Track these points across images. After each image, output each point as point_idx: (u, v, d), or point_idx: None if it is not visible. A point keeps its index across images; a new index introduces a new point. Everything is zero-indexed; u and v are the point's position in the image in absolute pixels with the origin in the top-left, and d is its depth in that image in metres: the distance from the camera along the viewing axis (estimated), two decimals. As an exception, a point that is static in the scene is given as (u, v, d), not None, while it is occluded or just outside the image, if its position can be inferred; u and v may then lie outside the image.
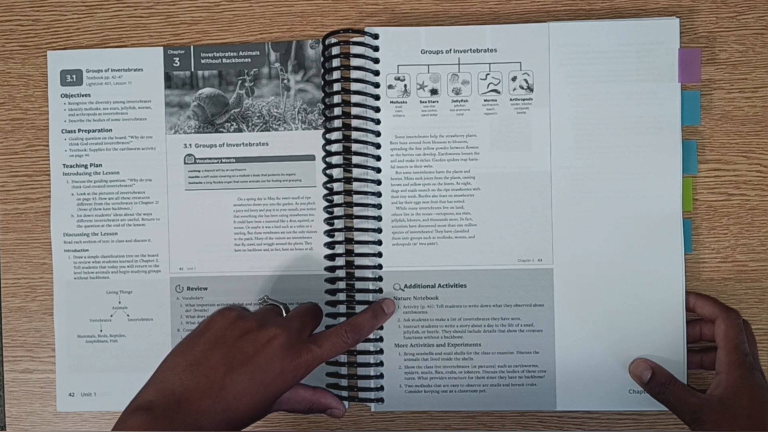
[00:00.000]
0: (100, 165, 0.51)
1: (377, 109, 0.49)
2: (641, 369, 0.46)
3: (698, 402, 0.43)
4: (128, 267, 0.51)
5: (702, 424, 0.42)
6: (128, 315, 0.50)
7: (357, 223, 0.49)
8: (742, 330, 0.45)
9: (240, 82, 0.50)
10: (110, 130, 0.51)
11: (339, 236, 0.49)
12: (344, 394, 0.49)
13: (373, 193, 0.49)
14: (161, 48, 0.51)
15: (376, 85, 0.49)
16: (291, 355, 0.40)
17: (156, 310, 0.50)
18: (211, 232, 0.50)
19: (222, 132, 0.50)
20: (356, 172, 0.49)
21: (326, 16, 0.51)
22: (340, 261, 0.49)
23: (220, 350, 0.39)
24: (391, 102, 0.49)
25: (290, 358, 0.40)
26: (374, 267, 0.49)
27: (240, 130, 0.50)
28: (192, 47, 0.51)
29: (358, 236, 0.49)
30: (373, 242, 0.49)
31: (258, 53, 0.50)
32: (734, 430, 0.41)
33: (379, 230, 0.49)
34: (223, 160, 0.50)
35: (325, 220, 0.49)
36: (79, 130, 0.51)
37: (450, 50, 0.49)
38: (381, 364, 0.49)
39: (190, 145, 0.51)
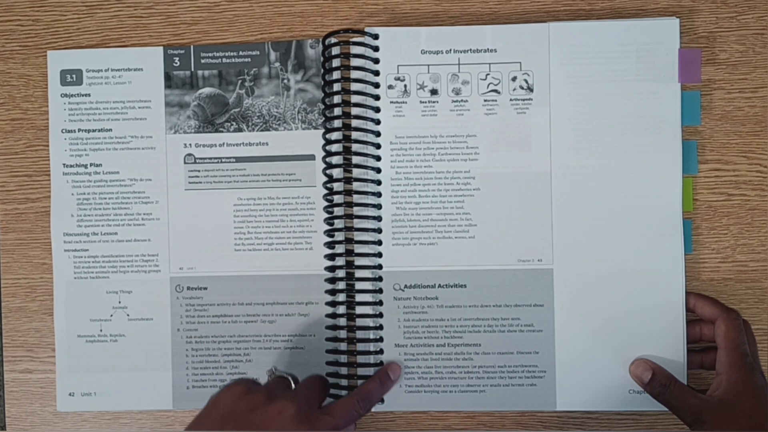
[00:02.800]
0: (100, 165, 0.51)
1: (377, 109, 0.49)
2: (641, 369, 0.46)
3: (698, 403, 0.43)
4: (128, 267, 0.51)
5: (702, 424, 0.42)
6: (128, 315, 0.50)
7: (357, 223, 0.49)
8: (743, 331, 0.44)
9: (240, 81, 0.50)
10: (110, 130, 0.51)
11: (339, 236, 0.49)
12: (344, 393, 0.49)
13: (373, 193, 0.49)
14: (161, 48, 0.51)
15: (376, 85, 0.49)
16: (304, 425, 0.39)
17: (156, 310, 0.50)
18: (211, 232, 0.50)
19: (222, 132, 0.50)
20: (356, 172, 0.49)
21: (326, 16, 0.51)
22: (340, 261, 0.49)
23: (230, 427, 0.38)
24: (391, 102, 0.49)
25: (304, 429, 0.39)
26: (374, 267, 0.49)
27: (240, 130, 0.50)
28: (192, 47, 0.51)
29: (358, 236, 0.49)
30: (373, 242, 0.49)
31: (258, 53, 0.50)
32: (735, 431, 0.41)
33: (379, 230, 0.49)
34: (223, 160, 0.50)
35: (325, 220, 0.49)
36: (79, 130, 0.51)
37: (450, 50, 0.49)
38: (381, 364, 0.49)
39: (190, 144, 0.51)
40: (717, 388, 0.43)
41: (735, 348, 0.44)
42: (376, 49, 0.49)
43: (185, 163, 0.50)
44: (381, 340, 0.49)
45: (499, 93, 0.49)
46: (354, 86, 0.49)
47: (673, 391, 0.45)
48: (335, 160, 0.49)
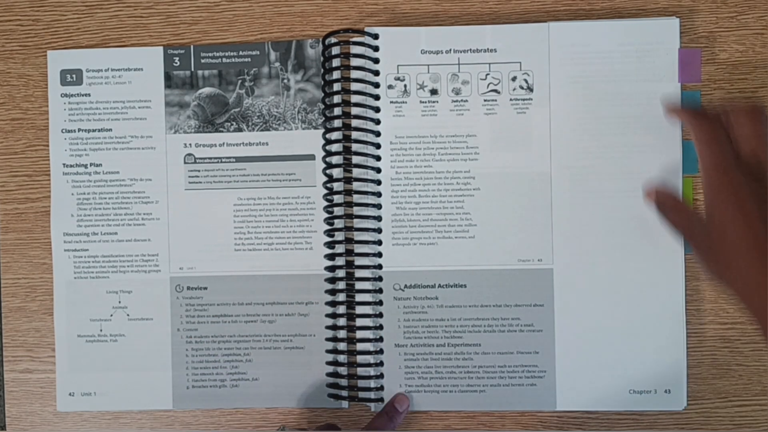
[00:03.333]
0: (100, 165, 0.51)
1: (377, 109, 0.49)
2: (647, 191, 0.46)
3: (686, 223, 0.42)
4: (128, 267, 0.51)
5: (691, 245, 0.42)
6: (128, 315, 0.50)
7: (357, 223, 0.49)
8: (720, 128, 0.41)
9: (240, 81, 0.50)
10: (110, 130, 0.51)
11: (339, 236, 0.49)
12: (344, 394, 0.49)
13: (373, 193, 0.49)
14: (161, 48, 0.51)
15: (376, 85, 0.49)
16: None
17: (156, 310, 0.50)
18: (211, 232, 0.50)
19: (222, 132, 0.50)
20: (356, 172, 0.49)
21: (326, 16, 0.51)
22: (340, 261, 0.49)
23: None
24: (391, 102, 0.49)
25: None
26: (374, 267, 0.49)
27: (240, 130, 0.50)
28: (192, 47, 0.51)
29: (358, 236, 0.49)
30: (373, 242, 0.49)
31: (258, 53, 0.50)
32: (710, 248, 0.40)
33: (379, 230, 0.49)
34: (223, 160, 0.50)
35: (325, 220, 0.49)
36: (79, 130, 0.51)
37: (450, 50, 0.49)
38: (381, 364, 0.49)
39: (190, 144, 0.51)
40: (705, 215, 0.41)
41: (709, 150, 0.40)
42: (376, 49, 0.49)
43: (185, 163, 0.50)
44: (381, 340, 0.49)
45: (499, 93, 0.49)
46: (354, 86, 0.49)
47: (666, 213, 0.44)
48: (335, 160, 0.49)
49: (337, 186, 0.49)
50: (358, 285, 0.49)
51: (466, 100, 0.49)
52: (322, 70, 0.50)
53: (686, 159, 0.48)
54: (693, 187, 0.49)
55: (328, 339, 0.49)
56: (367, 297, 0.49)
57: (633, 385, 0.48)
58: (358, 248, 0.49)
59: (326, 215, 0.49)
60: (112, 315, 0.50)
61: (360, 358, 0.49)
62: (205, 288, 0.50)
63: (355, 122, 0.49)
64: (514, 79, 0.49)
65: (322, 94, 0.50)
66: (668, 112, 0.47)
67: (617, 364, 0.48)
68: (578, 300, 0.48)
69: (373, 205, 0.49)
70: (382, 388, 0.49)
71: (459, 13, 0.50)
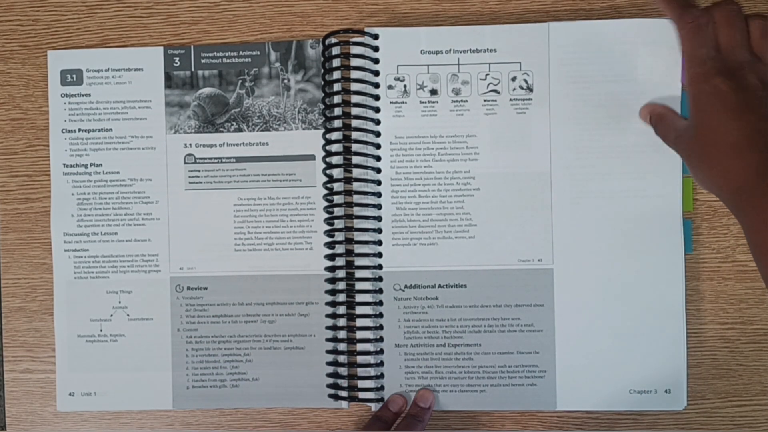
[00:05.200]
0: (100, 165, 0.51)
1: (377, 110, 0.49)
2: (644, 111, 0.47)
3: (674, 133, 0.43)
4: (128, 267, 0.51)
5: (679, 152, 0.43)
6: (128, 315, 0.50)
7: (357, 223, 0.49)
8: (700, 30, 0.40)
9: (240, 81, 0.50)
10: (110, 130, 0.51)
11: (339, 236, 0.49)
12: (344, 394, 0.49)
13: (373, 193, 0.49)
14: (161, 48, 0.51)
15: (376, 86, 0.49)
16: None
17: (156, 310, 0.50)
18: (211, 232, 0.50)
19: (222, 132, 0.50)
20: (356, 172, 0.49)
21: (326, 16, 0.51)
22: (340, 261, 0.49)
23: None
24: (391, 102, 0.49)
25: None
26: (374, 267, 0.49)
27: (240, 130, 0.50)
28: (192, 47, 0.51)
29: (358, 236, 0.49)
30: (373, 242, 0.49)
31: (258, 53, 0.50)
32: (700, 154, 0.40)
33: (379, 230, 0.49)
34: (223, 160, 0.50)
35: (325, 220, 0.49)
36: (80, 130, 0.51)
37: (450, 50, 0.49)
38: (381, 364, 0.49)
39: (191, 144, 0.51)
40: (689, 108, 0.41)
41: (688, 59, 0.40)
42: (376, 49, 0.49)
43: (185, 163, 0.50)
44: (381, 340, 0.49)
45: (498, 93, 0.49)
46: (354, 86, 0.49)
47: (659, 126, 0.45)
48: (335, 160, 0.49)
49: (337, 186, 0.49)
50: (358, 285, 0.49)
51: (466, 101, 0.49)
52: (323, 70, 0.50)
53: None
54: (693, 187, 0.49)
55: (328, 339, 0.49)
56: (367, 297, 0.49)
57: (633, 385, 0.48)
58: (358, 248, 0.49)
59: (326, 215, 0.49)
60: (112, 315, 0.50)
61: (360, 358, 0.49)
62: (205, 288, 0.50)
63: (355, 122, 0.49)
64: (514, 79, 0.49)
65: (322, 95, 0.50)
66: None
67: (617, 364, 0.48)
68: (578, 300, 0.48)
69: (373, 206, 0.49)
70: (382, 388, 0.49)
71: (459, 13, 0.50)
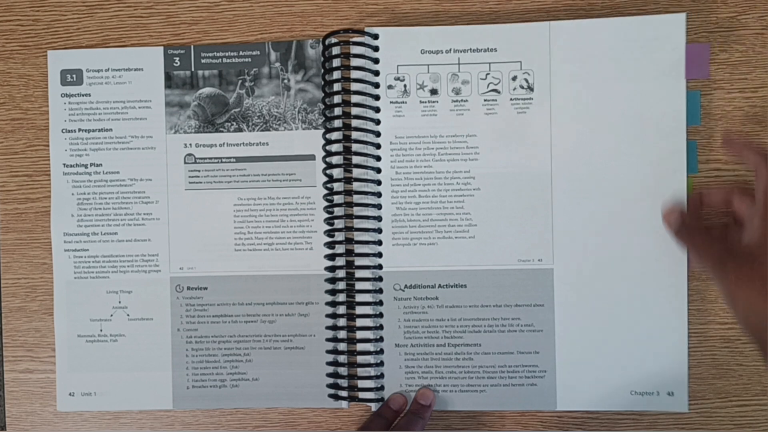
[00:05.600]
0: (101, 165, 0.51)
1: (377, 109, 0.49)
2: (668, 213, 0.46)
3: (722, 253, 0.41)
4: (128, 267, 0.51)
5: (725, 272, 0.40)
6: (128, 315, 0.50)
7: (357, 223, 0.49)
8: None
9: (240, 81, 0.50)
10: (110, 130, 0.51)
11: (339, 236, 0.49)
12: (344, 394, 0.49)
13: (373, 193, 0.49)
14: (161, 48, 0.51)
15: (376, 85, 0.49)
16: None
17: (156, 310, 0.50)
18: (211, 232, 0.50)
19: (222, 132, 0.50)
20: (356, 172, 0.49)
21: (326, 16, 0.51)
22: (340, 261, 0.49)
23: None
24: (391, 102, 0.49)
25: None
26: (374, 267, 0.49)
27: (240, 130, 0.50)
28: (192, 47, 0.51)
29: (358, 236, 0.49)
30: (373, 242, 0.49)
31: (258, 53, 0.50)
32: (756, 281, 0.39)
33: (379, 230, 0.49)
34: (223, 160, 0.50)
35: (325, 220, 0.49)
36: (80, 130, 0.51)
37: (450, 50, 0.49)
38: (381, 364, 0.49)
39: (191, 144, 0.51)
40: (747, 238, 0.41)
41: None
42: (376, 49, 0.49)
43: (185, 163, 0.50)
44: (381, 340, 0.49)
45: (499, 92, 0.49)
46: (354, 86, 0.49)
47: (696, 237, 0.44)
48: (335, 160, 0.49)
49: (337, 186, 0.49)
50: (358, 285, 0.49)
51: (466, 100, 0.49)
52: (323, 70, 0.50)
53: (690, 158, 0.48)
54: (693, 187, 0.49)
55: (328, 339, 0.49)
56: (367, 297, 0.49)
57: (635, 386, 0.48)
58: (358, 248, 0.49)
59: (326, 215, 0.49)
60: (112, 315, 0.50)
61: (360, 358, 0.49)
62: (205, 288, 0.50)
63: (355, 122, 0.49)
64: (514, 78, 0.49)
65: (323, 94, 0.50)
66: (730, 145, 0.46)
67: (618, 364, 0.48)
68: (578, 300, 0.48)
69: (373, 205, 0.49)
70: (382, 388, 0.49)
71: (459, 13, 0.50)
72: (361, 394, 0.49)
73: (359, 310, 0.49)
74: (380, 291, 0.49)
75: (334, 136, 0.49)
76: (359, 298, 0.49)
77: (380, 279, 0.49)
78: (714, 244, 0.43)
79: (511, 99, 0.49)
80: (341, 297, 0.49)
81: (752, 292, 0.39)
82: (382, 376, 0.49)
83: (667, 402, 0.48)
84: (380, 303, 0.49)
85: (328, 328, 0.49)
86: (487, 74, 0.49)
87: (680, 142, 0.48)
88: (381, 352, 0.49)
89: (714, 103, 0.49)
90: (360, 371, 0.49)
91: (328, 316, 0.49)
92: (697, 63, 0.47)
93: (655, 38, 0.47)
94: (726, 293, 0.41)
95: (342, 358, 0.49)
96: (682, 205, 0.46)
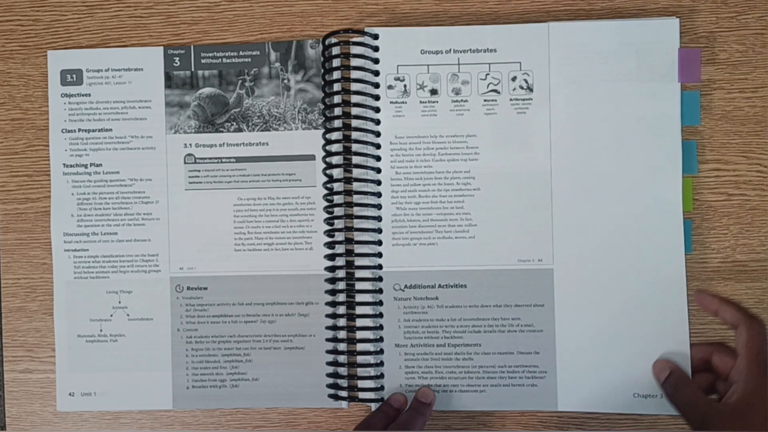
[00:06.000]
0: (100, 165, 0.51)
1: (377, 110, 0.49)
2: (659, 368, 0.46)
3: (708, 408, 0.42)
4: (128, 267, 0.50)
5: (708, 425, 0.41)
6: (128, 315, 0.50)
7: (357, 223, 0.49)
8: (766, 340, 0.43)
9: (240, 81, 0.50)
10: (110, 130, 0.51)
11: (339, 236, 0.49)
12: (344, 394, 0.49)
13: (373, 193, 0.49)
14: (161, 48, 0.51)
15: (376, 86, 0.49)
16: None
17: (156, 310, 0.50)
18: (211, 232, 0.50)
19: (222, 132, 0.50)
20: (356, 172, 0.49)
21: (326, 16, 0.51)
22: (340, 261, 0.49)
23: None
24: (391, 102, 0.49)
25: None
26: (374, 267, 0.49)
27: (240, 130, 0.50)
28: (192, 47, 0.51)
29: (358, 236, 0.49)
30: (373, 242, 0.49)
31: (258, 53, 0.50)
32: (743, 428, 0.40)
33: (379, 230, 0.49)
34: (223, 160, 0.50)
35: (325, 220, 0.49)
36: (79, 130, 0.51)
37: (450, 50, 0.49)
38: (381, 364, 0.49)
39: (190, 144, 0.51)
40: (731, 396, 0.42)
41: (756, 356, 0.42)
42: (376, 49, 0.49)
43: (185, 163, 0.50)
44: (381, 340, 0.49)
45: (499, 93, 0.49)
46: (354, 86, 0.49)
47: (683, 392, 0.44)
48: (335, 160, 0.49)
49: (337, 186, 0.49)
50: (358, 285, 0.49)
51: (466, 100, 0.49)
52: (322, 71, 0.50)
53: (686, 159, 0.48)
54: (693, 187, 0.49)
55: (328, 339, 0.49)
56: (367, 297, 0.49)
57: (637, 388, 0.48)
58: (358, 248, 0.49)
59: (326, 215, 0.49)
60: (112, 315, 0.50)
61: (360, 358, 0.49)
62: (205, 288, 0.50)
63: (355, 122, 0.49)
64: (514, 79, 0.49)
65: (322, 95, 0.50)
66: (704, 302, 0.46)
67: (618, 364, 0.48)
68: (578, 300, 0.48)
69: (373, 205, 0.49)
70: (382, 388, 0.49)
71: (459, 13, 0.50)
72: (361, 394, 0.49)
73: (359, 310, 0.49)
74: (380, 291, 0.49)
75: (334, 136, 0.49)
76: (359, 298, 0.49)
77: (380, 279, 0.49)
78: (699, 401, 0.43)
79: (510, 99, 0.49)
80: (341, 297, 0.49)
81: None
82: (382, 376, 0.49)
83: (667, 404, 0.48)
84: (380, 303, 0.49)
85: (328, 328, 0.49)
86: (487, 74, 0.49)
87: (677, 143, 0.48)
88: (381, 352, 0.49)
89: (714, 103, 0.49)
90: (360, 371, 0.49)
91: (328, 316, 0.49)
92: (689, 67, 0.48)
93: (650, 41, 0.48)
94: None
95: (342, 358, 0.49)
96: (672, 362, 0.46)
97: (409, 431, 0.45)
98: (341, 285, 0.49)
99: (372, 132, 0.49)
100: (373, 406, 0.49)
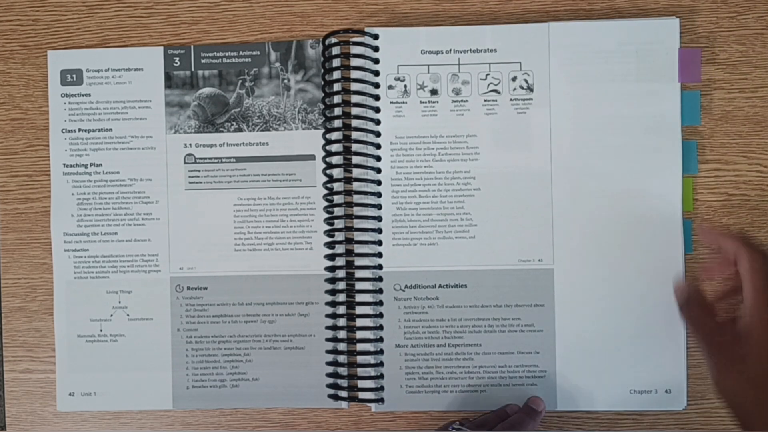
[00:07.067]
0: (100, 165, 0.51)
1: (377, 110, 0.49)
2: (681, 291, 0.46)
3: (717, 337, 0.42)
4: (128, 267, 0.50)
5: (715, 360, 0.41)
6: (128, 315, 0.50)
7: (357, 223, 0.49)
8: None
9: (240, 81, 0.50)
10: (110, 130, 0.51)
11: (339, 236, 0.49)
12: (344, 394, 0.49)
13: (373, 193, 0.49)
14: (161, 48, 0.51)
15: (376, 86, 0.49)
16: None
17: (156, 310, 0.50)
18: (211, 232, 0.50)
19: (222, 132, 0.50)
20: (356, 172, 0.49)
21: (326, 16, 0.51)
22: (340, 261, 0.49)
23: None
24: (391, 102, 0.49)
25: None
26: (374, 267, 0.49)
27: (240, 130, 0.50)
28: (192, 47, 0.51)
29: (358, 236, 0.49)
30: (373, 242, 0.49)
31: (258, 53, 0.50)
32: (742, 355, 0.40)
33: (379, 230, 0.49)
34: (223, 160, 0.50)
35: (325, 220, 0.49)
36: (79, 130, 0.51)
37: (450, 50, 0.49)
38: (381, 364, 0.49)
39: (190, 144, 0.51)
40: (740, 317, 0.41)
41: (761, 285, 0.41)
42: (376, 49, 0.49)
43: (185, 163, 0.50)
44: (381, 340, 0.49)
45: (499, 93, 0.49)
46: (354, 86, 0.49)
47: (693, 308, 0.44)
48: (335, 160, 0.49)
49: (338, 186, 0.49)
50: (358, 285, 0.49)
51: (466, 100, 0.49)
52: (323, 70, 0.50)
53: (686, 159, 0.48)
54: (693, 187, 0.49)
55: (328, 339, 0.49)
56: (368, 297, 0.49)
57: (633, 385, 0.48)
58: (358, 248, 0.49)
59: (326, 215, 0.49)
60: (112, 315, 0.50)
61: (360, 358, 0.49)
62: (205, 288, 0.50)
63: (355, 122, 0.49)
64: (514, 79, 0.49)
65: (322, 94, 0.50)
66: (705, 236, 0.46)
67: (617, 364, 0.48)
68: (578, 300, 0.48)
69: (373, 206, 0.49)
70: (382, 388, 0.49)
71: (459, 13, 0.50)
72: (361, 395, 0.49)
73: (359, 310, 0.49)
74: (380, 291, 0.49)
75: (334, 136, 0.49)
76: (359, 298, 0.49)
77: (380, 279, 0.49)
78: (708, 320, 0.43)
79: (510, 99, 0.49)
80: (341, 297, 0.49)
81: (733, 372, 0.40)
82: (381, 376, 0.49)
83: (665, 400, 0.48)
84: (380, 303, 0.49)
85: (328, 328, 0.49)
86: (487, 75, 0.49)
87: (677, 143, 0.48)
88: (381, 352, 0.49)
89: (714, 103, 0.49)
90: (360, 371, 0.49)
91: (328, 316, 0.49)
92: (689, 67, 0.48)
93: (650, 41, 0.48)
94: (711, 369, 0.41)
95: (342, 358, 0.49)
96: (693, 285, 0.46)
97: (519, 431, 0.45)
98: (341, 285, 0.49)
99: (372, 132, 0.49)
100: (373, 407, 0.49)
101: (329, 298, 0.49)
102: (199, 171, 0.50)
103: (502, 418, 0.47)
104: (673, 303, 0.47)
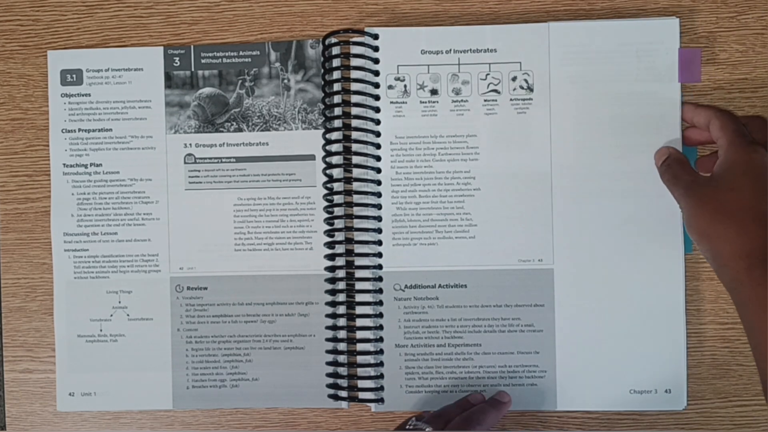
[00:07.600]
0: (100, 165, 0.51)
1: (377, 110, 0.49)
2: (660, 153, 0.47)
3: (690, 179, 0.43)
4: (128, 267, 0.50)
5: (688, 200, 0.42)
6: (128, 315, 0.50)
7: (357, 223, 0.49)
8: (738, 120, 0.43)
9: (240, 81, 0.50)
10: (110, 130, 0.51)
11: (339, 236, 0.49)
12: (344, 394, 0.49)
13: (373, 193, 0.49)
14: (161, 48, 0.51)
15: (376, 86, 0.49)
16: None
17: (156, 310, 0.50)
18: (211, 232, 0.50)
19: (222, 132, 0.50)
20: (356, 172, 0.49)
21: (326, 16, 0.51)
22: (340, 261, 0.49)
23: None
24: (391, 102, 0.49)
25: None
26: (374, 267, 0.49)
27: (240, 130, 0.50)
28: (192, 47, 0.51)
29: (358, 236, 0.49)
30: (373, 242, 0.49)
31: (258, 53, 0.50)
32: (716, 204, 0.40)
33: (379, 230, 0.49)
34: (223, 160, 0.50)
35: (325, 220, 0.49)
36: (79, 130, 0.51)
37: (450, 50, 0.49)
38: (381, 364, 0.49)
39: (190, 144, 0.51)
40: (714, 168, 0.42)
41: (732, 131, 0.42)
42: (376, 49, 0.49)
43: (185, 163, 0.50)
44: (381, 340, 0.49)
45: (499, 93, 0.49)
46: (354, 86, 0.49)
47: (673, 168, 0.45)
48: (335, 160, 0.49)
49: (337, 186, 0.49)
50: (358, 285, 0.49)
51: (467, 100, 0.49)
52: (322, 70, 0.50)
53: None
54: (693, 187, 0.49)
55: (328, 339, 0.49)
56: (368, 297, 0.49)
57: (633, 385, 0.48)
58: (358, 248, 0.49)
59: (326, 215, 0.49)
60: (112, 315, 0.50)
61: (360, 358, 0.49)
62: (205, 288, 0.50)
63: (355, 122, 0.49)
64: (514, 79, 0.49)
65: (322, 94, 0.50)
66: (685, 114, 0.47)
67: (617, 363, 0.48)
68: (578, 300, 0.48)
69: (373, 205, 0.49)
70: (382, 388, 0.49)
71: (459, 13, 0.50)
72: (361, 395, 0.49)
73: (359, 310, 0.49)
74: (380, 291, 0.49)
75: (334, 136, 0.49)
76: (359, 298, 0.49)
77: (380, 279, 0.49)
78: (685, 173, 0.44)
79: (511, 99, 0.49)
80: (341, 297, 0.49)
81: (706, 210, 0.41)
82: (381, 376, 0.49)
83: (665, 400, 0.48)
84: (380, 303, 0.49)
85: (328, 328, 0.49)
86: (487, 74, 0.49)
87: (677, 143, 0.48)
88: (381, 352, 0.49)
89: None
90: (360, 371, 0.49)
91: (328, 316, 0.49)
92: (689, 67, 0.48)
93: (650, 41, 0.48)
94: (685, 211, 0.43)
95: (342, 358, 0.49)
96: (673, 148, 0.47)
97: (479, 423, 0.44)
98: (341, 285, 0.49)
99: (372, 132, 0.49)
100: (373, 407, 0.49)
101: (329, 298, 0.49)
102: (199, 171, 0.50)
103: (464, 408, 0.46)
104: (673, 303, 0.48)
